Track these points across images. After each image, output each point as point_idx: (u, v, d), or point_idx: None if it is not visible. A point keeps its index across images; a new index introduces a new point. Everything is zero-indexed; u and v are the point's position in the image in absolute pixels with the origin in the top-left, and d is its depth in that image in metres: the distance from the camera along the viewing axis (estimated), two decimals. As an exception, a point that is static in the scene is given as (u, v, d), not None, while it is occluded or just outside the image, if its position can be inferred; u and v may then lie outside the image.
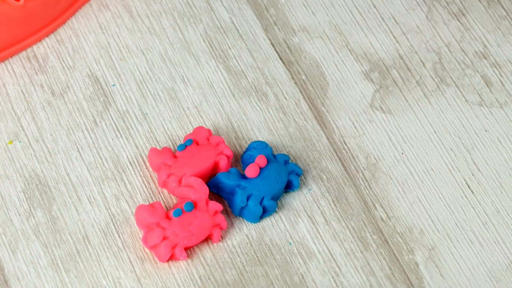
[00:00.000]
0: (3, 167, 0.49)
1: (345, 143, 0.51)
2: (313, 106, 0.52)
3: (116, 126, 0.51)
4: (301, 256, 0.47)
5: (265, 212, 0.48)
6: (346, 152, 0.50)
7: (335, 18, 0.56)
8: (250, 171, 0.48)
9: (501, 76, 0.53)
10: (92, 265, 0.46)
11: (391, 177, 0.49)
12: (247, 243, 0.47)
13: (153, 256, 0.46)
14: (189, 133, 0.51)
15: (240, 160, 0.50)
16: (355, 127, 0.51)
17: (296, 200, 0.49)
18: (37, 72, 0.53)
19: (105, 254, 0.46)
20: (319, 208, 0.48)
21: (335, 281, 0.46)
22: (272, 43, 0.55)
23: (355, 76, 0.53)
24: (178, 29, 0.55)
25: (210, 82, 0.53)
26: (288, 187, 0.49)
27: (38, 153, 0.50)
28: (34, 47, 0.54)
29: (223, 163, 0.48)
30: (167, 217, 0.46)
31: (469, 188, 0.49)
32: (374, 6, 0.56)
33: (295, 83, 0.53)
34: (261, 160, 0.48)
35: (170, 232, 0.46)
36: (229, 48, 0.54)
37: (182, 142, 0.50)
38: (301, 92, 0.53)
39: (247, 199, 0.47)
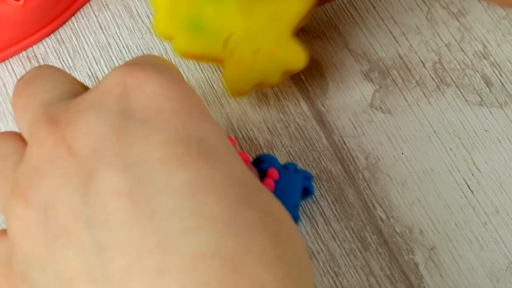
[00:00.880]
0: (3, 167, 0.49)
1: (344, 143, 0.51)
2: (313, 106, 0.52)
3: (116, 126, 0.51)
4: (301, 256, 0.47)
5: None
6: (346, 152, 0.50)
7: (334, 19, 0.56)
8: (265, 185, 0.46)
9: (501, 76, 0.53)
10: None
11: (390, 177, 0.49)
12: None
13: None
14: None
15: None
16: (355, 127, 0.51)
17: (295, 200, 0.49)
18: (37, 72, 0.53)
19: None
20: (318, 208, 0.48)
21: (334, 281, 0.46)
22: (272, 43, 0.55)
23: (354, 76, 0.53)
24: (178, 29, 0.55)
25: (210, 82, 0.53)
26: (304, 194, 0.48)
27: (38, 153, 0.50)
28: (34, 47, 0.54)
29: None
30: None
31: (469, 188, 0.49)
32: (374, 7, 0.56)
33: (295, 83, 0.53)
34: (273, 173, 0.47)
35: None
36: (229, 48, 0.55)
37: None
38: (300, 92, 0.53)
39: None
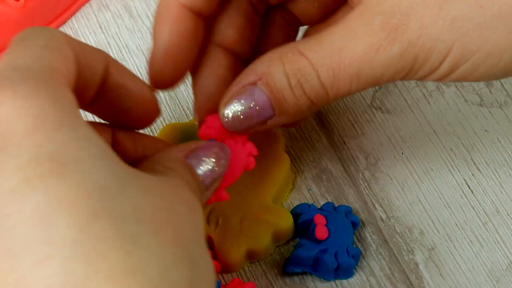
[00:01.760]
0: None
1: (344, 143, 0.51)
2: (313, 106, 0.52)
3: (116, 126, 0.51)
4: (301, 256, 0.47)
5: (356, 261, 0.46)
6: (346, 152, 0.50)
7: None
8: (320, 232, 0.45)
9: (501, 76, 0.53)
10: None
11: (391, 177, 0.49)
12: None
13: None
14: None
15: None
16: (355, 127, 0.51)
17: (295, 200, 0.49)
18: (37, 72, 0.53)
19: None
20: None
21: (335, 281, 0.46)
22: (272, 43, 0.55)
23: (355, 76, 0.53)
24: (178, 29, 0.55)
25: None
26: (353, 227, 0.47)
27: (38, 153, 0.50)
28: (34, 47, 0.54)
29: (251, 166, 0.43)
30: None
31: (469, 188, 0.49)
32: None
33: (295, 83, 0.53)
34: (319, 219, 0.46)
35: None
36: (229, 48, 0.54)
37: None
38: (301, 92, 0.53)
39: (336, 258, 0.45)
